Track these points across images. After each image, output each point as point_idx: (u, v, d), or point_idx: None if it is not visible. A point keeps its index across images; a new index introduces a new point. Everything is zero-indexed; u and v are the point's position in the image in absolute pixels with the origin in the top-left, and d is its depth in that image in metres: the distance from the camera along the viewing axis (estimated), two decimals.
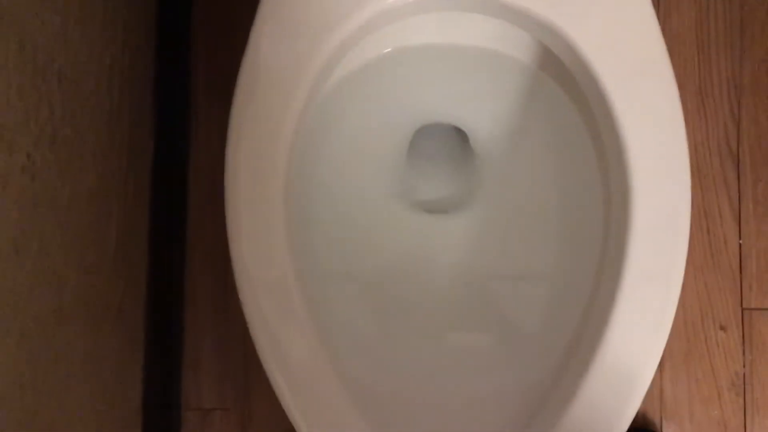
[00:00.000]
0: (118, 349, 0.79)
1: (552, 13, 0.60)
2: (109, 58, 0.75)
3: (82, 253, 0.69)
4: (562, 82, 0.70)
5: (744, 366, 0.93)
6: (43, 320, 0.63)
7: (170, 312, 0.93)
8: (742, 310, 0.94)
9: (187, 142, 0.96)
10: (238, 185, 0.58)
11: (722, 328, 0.94)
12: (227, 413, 0.94)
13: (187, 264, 0.95)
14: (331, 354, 0.58)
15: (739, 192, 0.95)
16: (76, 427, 0.70)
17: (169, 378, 0.94)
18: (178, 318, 0.94)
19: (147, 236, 0.86)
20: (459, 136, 0.81)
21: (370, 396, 0.63)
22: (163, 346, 0.91)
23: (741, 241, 0.94)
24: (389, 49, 0.72)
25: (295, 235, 0.59)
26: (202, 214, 0.96)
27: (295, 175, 0.61)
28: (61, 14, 0.64)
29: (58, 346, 0.65)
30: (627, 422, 0.55)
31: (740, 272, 0.94)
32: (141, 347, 0.85)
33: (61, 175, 0.64)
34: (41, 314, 0.62)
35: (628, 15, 0.60)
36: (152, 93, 0.87)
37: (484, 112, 0.76)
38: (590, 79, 0.60)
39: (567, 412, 0.55)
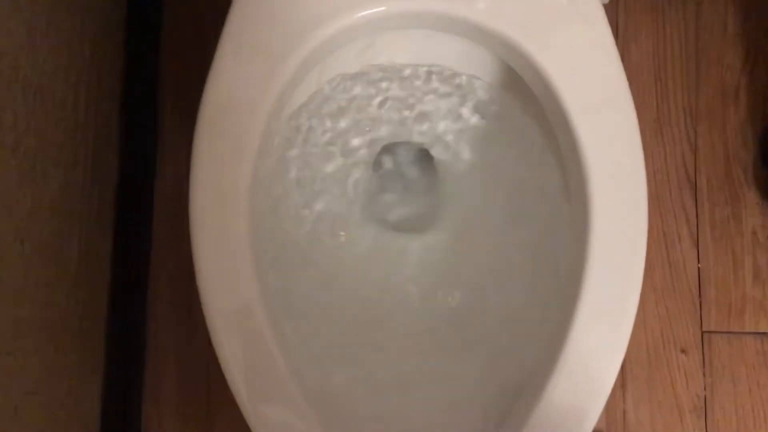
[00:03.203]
0: (76, 368, 0.77)
1: (521, 36, 0.62)
2: (75, 74, 0.75)
3: (41, 265, 0.68)
4: (526, 103, 0.71)
5: (705, 389, 0.94)
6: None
7: (132, 334, 0.91)
8: (702, 333, 0.95)
9: (154, 162, 0.96)
10: (203, 212, 0.58)
11: (683, 351, 0.95)
12: None
13: (151, 285, 0.94)
14: (297, 369, 0.58)
15: (697, 217, 0.97)
16: None
17: (129, 403, 0.91)
18: (140, 340, 0.92)
19: (110, 254, 0.85)
20: (425, 155, 0.81)
21: (337, 413, 0.63)
22: (124, 368, 0.89)
23: (700, 266, 0.96)
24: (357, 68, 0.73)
25: (261, 258, 0.59)
26: (168, 235, 0.95)
27: (261, 196, 0.61)
28: (27, 26, 0.64)
29: (13, 359, 0.64)
30: (592, 421, 0.56)
31: (699, 296, 0.96)
32: (100, 367, 0.83)
33: (22, 184, 0.64)
34: None
35: (590, 41, 0.62)
36: (119, 111, 0.87)
37: (448, 132, 0.77)
38: (553, 102, 0.62)
39: (533, 413, 0.55)
